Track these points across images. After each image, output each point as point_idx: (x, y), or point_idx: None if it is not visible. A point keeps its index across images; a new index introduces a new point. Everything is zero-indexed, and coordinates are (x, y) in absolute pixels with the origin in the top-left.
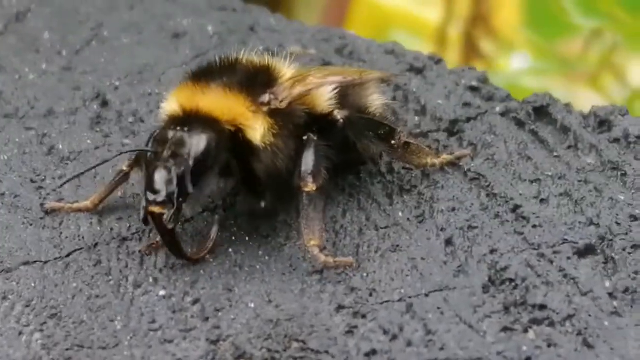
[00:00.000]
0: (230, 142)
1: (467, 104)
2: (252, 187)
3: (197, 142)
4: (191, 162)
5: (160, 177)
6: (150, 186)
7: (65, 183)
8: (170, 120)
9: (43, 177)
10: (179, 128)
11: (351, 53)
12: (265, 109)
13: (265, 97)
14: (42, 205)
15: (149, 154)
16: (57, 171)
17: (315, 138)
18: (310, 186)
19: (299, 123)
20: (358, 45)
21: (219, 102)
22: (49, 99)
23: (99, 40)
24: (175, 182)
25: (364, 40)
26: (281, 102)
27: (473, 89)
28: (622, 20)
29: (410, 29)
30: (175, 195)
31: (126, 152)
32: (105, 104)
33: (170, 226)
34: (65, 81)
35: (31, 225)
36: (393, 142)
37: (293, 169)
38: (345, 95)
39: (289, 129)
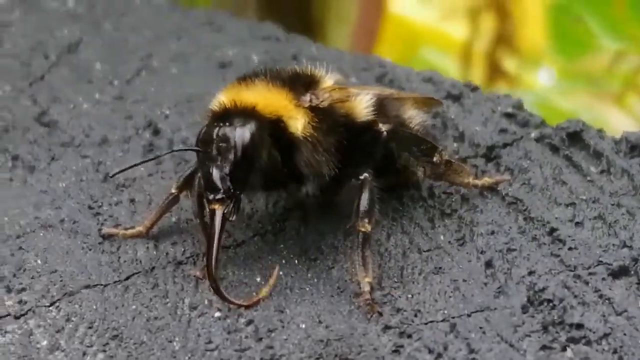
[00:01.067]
0: (273, 134)
1: (503, 130)
2: (295, 177)
3: (242, 135)
4: (239, 155)
5: (214, 175)
6: (207, 186)
7: (121, 171)
8: (214, 117)
9: (100, 204)
10: (222, 124)
11: (391, 81)
12: (306, 105)
13: (307, 97)
14: (99, 230)
15: (198, 154)
16: (113, 198)
17: (370, 178)
18: (367, 227)
19: (338, 124)
20: (397, 73)
21: (262, 96)
22: (102, 127)
23: (149, 70)
24: (228, 177)
25: (403, 68)
26: (322, 101)
27: (509, 116)
28: None
29: (439, 46)
30: (231, 190)
31: (177, 151)
32: (156, 132)
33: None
34: (117, 110)
35: (90, 249)
36: (435, 158)
37: (332, 165)
38: (383, 107)
39: (329, 124)
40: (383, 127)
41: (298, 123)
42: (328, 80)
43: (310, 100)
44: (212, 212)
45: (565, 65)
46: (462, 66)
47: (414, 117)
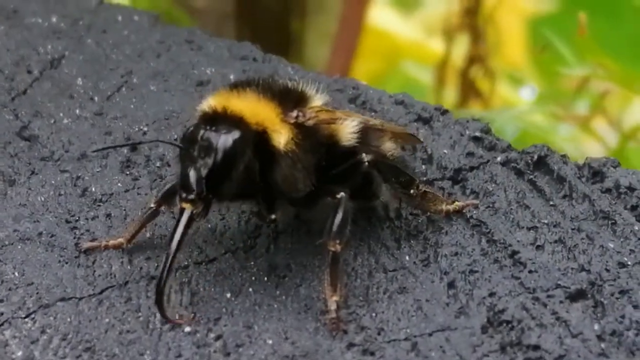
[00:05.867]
0: (255, 145)
1: (470, 154)
2: (268, 198)
3: (225, 141)
4: (219, 161)
5: (190, 175)
6: (181, 184)
7: (102, 150)
8: (202, 119)
9: (77, 218)
10: (208, 127)
11: (363, 102)
12: (291, 121)
13: (294, 113)
14: (76, 244)
15: (180, 151)
16: (90, 212)
17: (347, 198)
18: (337, 247)
19: (320, 144)
20: (370, 96)
21: (251, 106)
22: (82, 142)
23: (129, 86)
24: (204, 180)
25: (376, 90)
26: (308, 119)
27: (476, 139)
28: (612, 69)
29: (420, 60)
30: (204, 193)
31: (161, 142)
32: (134, 148)
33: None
34: (97, 126)
35: (67, 263)
36: (412, 191)
37: (308, 183)
38: (366, 135)
39: (311, 143)
40: (366, 157)
41: (281, 137)
42: (317, 100)
43: (297, 117)
44: (181, 211)
45: (545, 84)
46: (437, 85)
47: (392, 148)
